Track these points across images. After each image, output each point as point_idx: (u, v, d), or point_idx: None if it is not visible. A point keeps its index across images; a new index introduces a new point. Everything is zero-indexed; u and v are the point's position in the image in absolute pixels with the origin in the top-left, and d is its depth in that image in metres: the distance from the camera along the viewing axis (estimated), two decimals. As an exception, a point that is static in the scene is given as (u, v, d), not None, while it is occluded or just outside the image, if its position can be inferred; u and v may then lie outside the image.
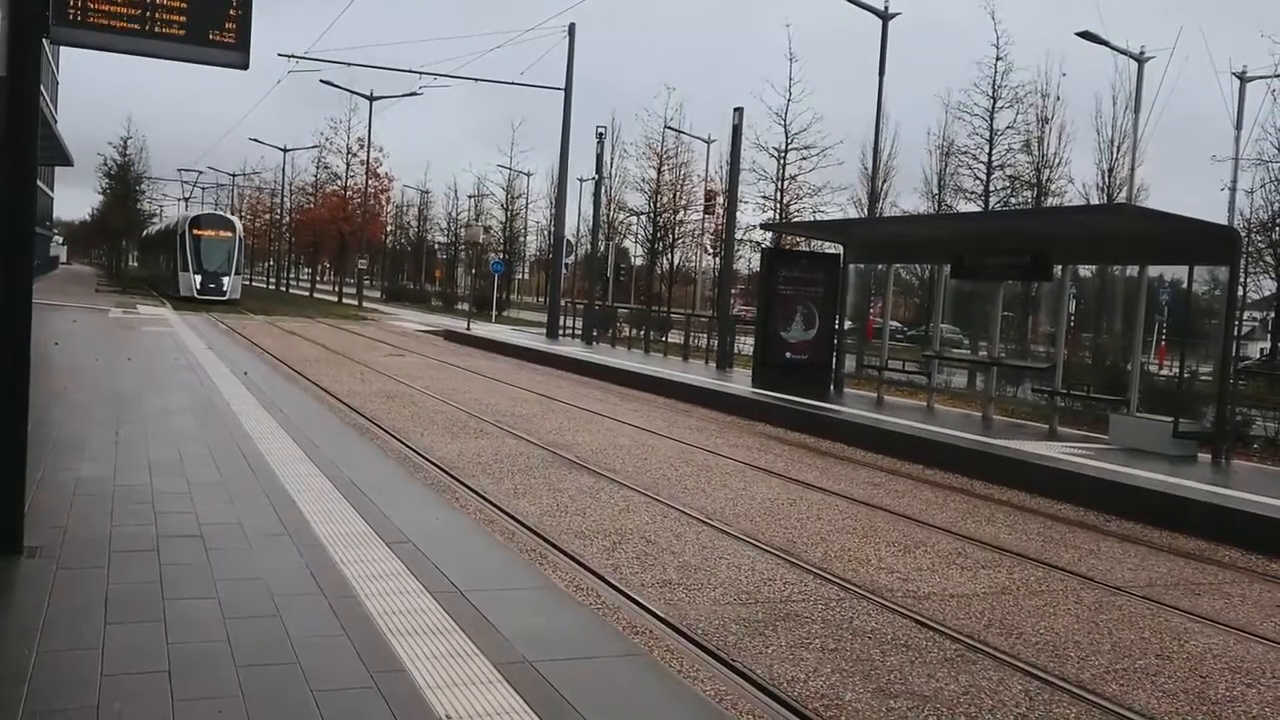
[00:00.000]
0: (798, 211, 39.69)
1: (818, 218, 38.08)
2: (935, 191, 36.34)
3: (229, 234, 50.07)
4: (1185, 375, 14.83)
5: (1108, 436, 15.11)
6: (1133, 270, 15.95)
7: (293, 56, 37.82)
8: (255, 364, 18.86)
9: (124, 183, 63.35)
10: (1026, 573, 8.77)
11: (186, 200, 75.81)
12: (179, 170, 71.37)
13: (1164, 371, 18.64)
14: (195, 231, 48.88)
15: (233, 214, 71.87)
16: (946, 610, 7.48)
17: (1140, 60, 29.82)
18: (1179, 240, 14.72)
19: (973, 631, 7.03)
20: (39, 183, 6.49)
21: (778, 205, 39.86)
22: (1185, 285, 15.32)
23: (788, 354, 21.66)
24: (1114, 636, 7.21)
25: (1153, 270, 16.10)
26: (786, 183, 40.00)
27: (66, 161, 25.03)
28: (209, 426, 10.79)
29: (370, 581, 5.69)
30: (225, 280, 48.74)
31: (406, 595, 5.50)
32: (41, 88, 5.90)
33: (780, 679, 5.94)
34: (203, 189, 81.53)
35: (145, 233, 76.44)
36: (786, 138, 39.24)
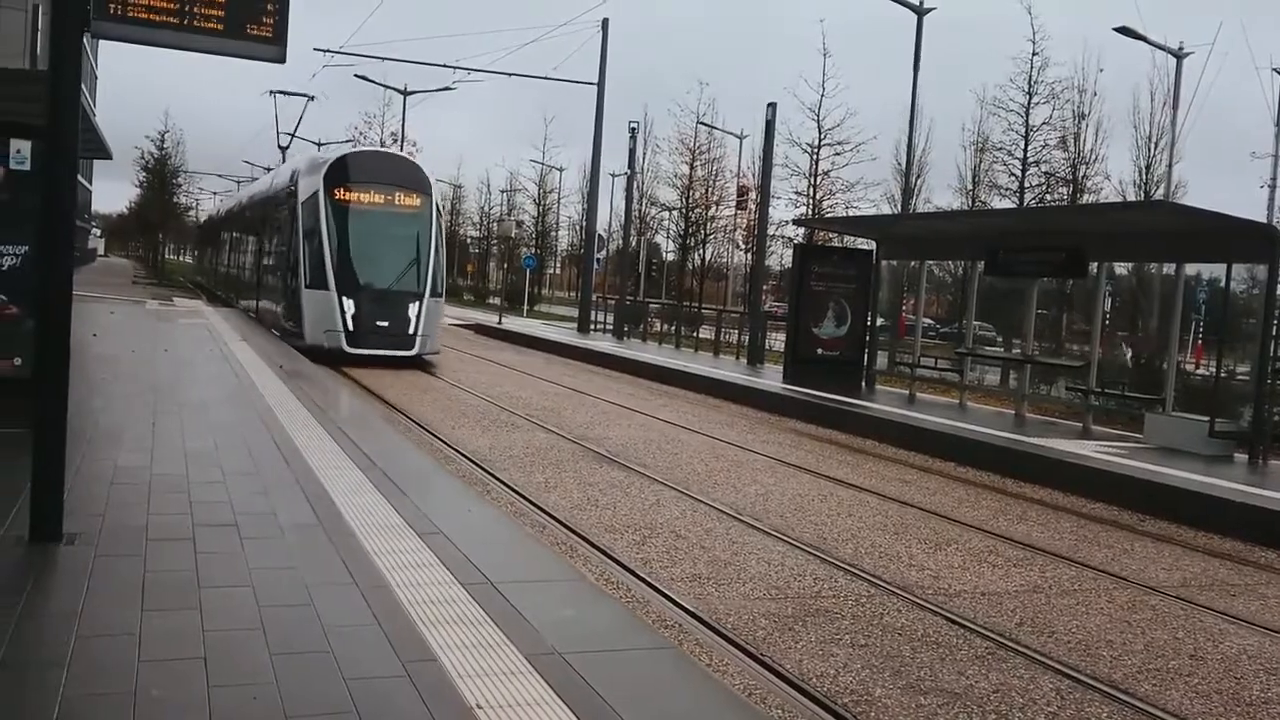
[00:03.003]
0: (831, 207, 39.46)
1: (851, 213, 37.90)
2: (969, 188, 36.06)
3: (414, 204, 23.18)
4: (1222, 375, 14.65)
5: (1142, 435, 14.98)
6: (1169, 268, 15.79)
7: (328, 51, 37.82)
8: (289, 356, 19.00)
9: (161, 176, 64.11)
10: (1059, 571, 8.71)
11: (285, 142, 40.38)
12: (271, 93, 39.26)
13: (1200, 371, 18.42)
14: (341, 196, 22.51)
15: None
16: (977, 608, 7.45)
17: (1179, 56, 29.49)
18: (1217, 238, 14.55)
19: (1004, 629, 6.99)
20: (78, 176, 6.60)
21: (810, 201, 39.65)
22: (1223, 283, 15.14)
23: (819, 350, 21.60)
24: (1147, 636, 7.15)
25: (1190, 268, 15.92)
26: (819, 178, 39.73)
27: (105, 154, 25.01)
28: (243, 417, 10.89)
29: (402, 572, 5.74)
30: (411, 311, 22.19)
31: (438, 586, 5.54)
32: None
33: (810, 674, 5.94)
34: (238, 181, 75.90)
35: (213, 210, 51.62)
36: (820, 133, 38.96)
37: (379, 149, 23.62)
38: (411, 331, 21.90)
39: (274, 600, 5.15)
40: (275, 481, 7.91)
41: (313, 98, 38.64)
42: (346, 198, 22.36)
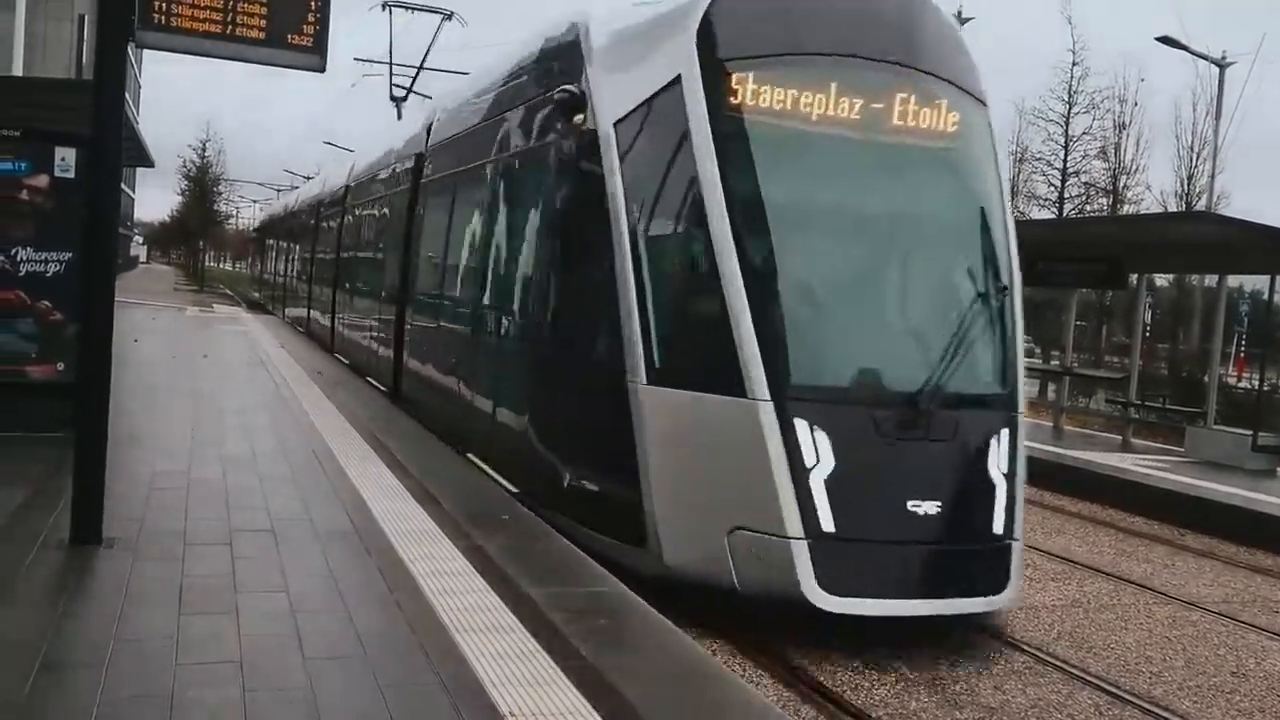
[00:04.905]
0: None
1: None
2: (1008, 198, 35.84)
3: (946, 127, 7.40)
4: (1265, 388, 14.45)
5: (1183, 449, 14.79)
6: (1211, 280, 15.61)
7: (368, 60, 38.11)
8: (327, 364, 19.12)
9: (202, 184, 64.83)
10: (1098, 586, 8.62)
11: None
12: (385, 6, 24.30)
13: (1243, 384, 18.19)
14: (753, 100, 6.83)
15: None
16: (1015, 622, 7.38)
17: (1221, 66, 29.10)
18: (1260, 249, 14.36)
19: (1041, 643, 6.92)
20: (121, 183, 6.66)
21: (847, 211, 39.51)
22: (1266, 296, 14.95)
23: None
24: (1188, 652, 7.06)
25: (1232, 280, 15.75)
26: (856, 188, 39.62)
27: (148, 163, 24.56)
28: (281, 423, 10.95)
29: (437, 579, 5.74)
30: (993, 463, 7.06)
31: (473, 594, 5.54)
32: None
33: (845, 686, 5.90)
34: (278, 189, 75.71)
35: (288, 203, 33.34)
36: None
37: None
38: (1000, 528, 7.02)
39: (309, 606, 5.18)
40: (311, 487, 7.92)
41: (450, 15, 24.48)
42: (766, 103, 7.10)
